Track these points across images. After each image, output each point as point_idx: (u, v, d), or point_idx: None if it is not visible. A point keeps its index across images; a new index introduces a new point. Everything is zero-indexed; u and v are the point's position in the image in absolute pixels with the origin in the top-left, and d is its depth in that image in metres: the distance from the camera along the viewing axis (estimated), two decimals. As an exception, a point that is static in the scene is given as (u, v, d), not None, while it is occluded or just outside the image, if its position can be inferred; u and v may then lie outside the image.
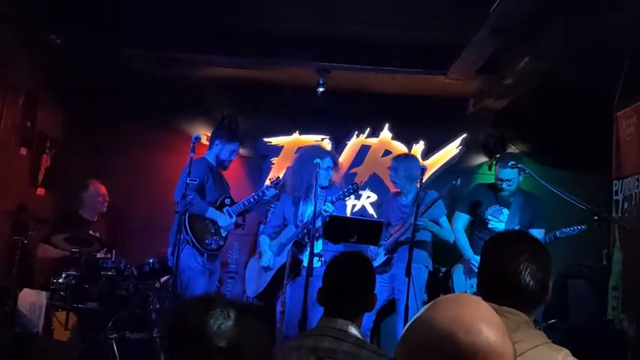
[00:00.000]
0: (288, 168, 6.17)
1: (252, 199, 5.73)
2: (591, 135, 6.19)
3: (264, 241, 5.83)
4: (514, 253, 1.95)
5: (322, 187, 5.54)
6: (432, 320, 1.19)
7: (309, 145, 6.60)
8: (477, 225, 5.86)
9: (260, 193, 5.75)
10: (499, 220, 5.73)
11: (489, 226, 5.72)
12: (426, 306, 1.24)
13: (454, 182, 5.65)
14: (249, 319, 1.54)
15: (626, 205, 5.63)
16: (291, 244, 5.54)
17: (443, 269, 6.37)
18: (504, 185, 5.64)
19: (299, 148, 6.59)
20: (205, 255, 5.59)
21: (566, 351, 1.86)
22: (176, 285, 5.20)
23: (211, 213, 5.62)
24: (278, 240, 5.73)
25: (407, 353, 1.21)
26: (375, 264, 5.69)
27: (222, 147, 5.88)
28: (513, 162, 5.58)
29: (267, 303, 5.76)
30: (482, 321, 1.18)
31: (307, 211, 5.58)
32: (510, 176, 5.58)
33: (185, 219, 5.36)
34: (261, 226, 6.39)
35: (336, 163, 5.70)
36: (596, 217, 5.34)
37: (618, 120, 5.81)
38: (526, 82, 5.87)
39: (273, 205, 6.17)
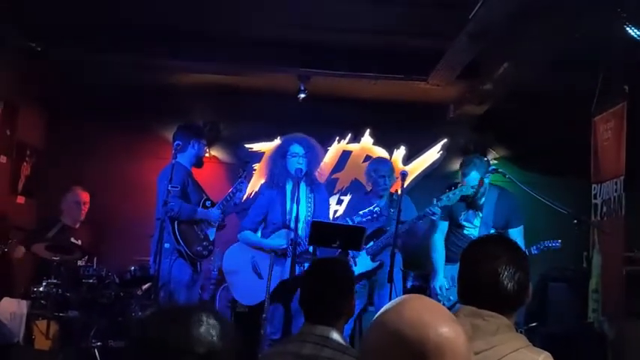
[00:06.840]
0: (265, 156, 5.86)
1: (228, 197, 5.65)
2: (571, 139, 6.26)
3: (249, 234, 5.48)
4: (492, 257, 1.97)
5: (297, 178, 5.24)
6: (381, 324, 1.23)
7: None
8: (454, 230, 5.57)
9: (237, 185, 5.66)
10: (473, 226, 5.46)
11: (465, 232, 5.48)
12: (379, 311, 1.28)
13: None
14: (227, 326, 1.53)
15: (604, 208, 5.70)
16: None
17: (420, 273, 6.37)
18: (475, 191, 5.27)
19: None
20: (197, 264, 5.54)
21: (546, 354, 1.88)
22: (158, 293, 5.16)
23: (201, 213, 5.53)
24: (266, 243, 5.39)
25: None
26: (365, 269, 5.64)
27: (199, 145, 5.82)
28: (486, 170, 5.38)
29: (252, 308, 5.58)
30: (427, 314, 1.20)
31: (294, 212, 5.20)
32: (474, 181, 5.22)
33: (175, 228, 5.31)
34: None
35: (308, 151, 5.40)
36: (575, 221, 5.38)
37: (596, 125, 5.88)
38: (506, 87, 5.92)
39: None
